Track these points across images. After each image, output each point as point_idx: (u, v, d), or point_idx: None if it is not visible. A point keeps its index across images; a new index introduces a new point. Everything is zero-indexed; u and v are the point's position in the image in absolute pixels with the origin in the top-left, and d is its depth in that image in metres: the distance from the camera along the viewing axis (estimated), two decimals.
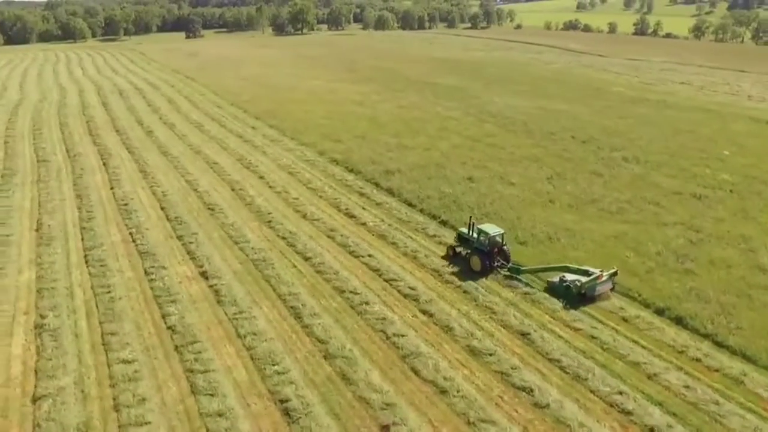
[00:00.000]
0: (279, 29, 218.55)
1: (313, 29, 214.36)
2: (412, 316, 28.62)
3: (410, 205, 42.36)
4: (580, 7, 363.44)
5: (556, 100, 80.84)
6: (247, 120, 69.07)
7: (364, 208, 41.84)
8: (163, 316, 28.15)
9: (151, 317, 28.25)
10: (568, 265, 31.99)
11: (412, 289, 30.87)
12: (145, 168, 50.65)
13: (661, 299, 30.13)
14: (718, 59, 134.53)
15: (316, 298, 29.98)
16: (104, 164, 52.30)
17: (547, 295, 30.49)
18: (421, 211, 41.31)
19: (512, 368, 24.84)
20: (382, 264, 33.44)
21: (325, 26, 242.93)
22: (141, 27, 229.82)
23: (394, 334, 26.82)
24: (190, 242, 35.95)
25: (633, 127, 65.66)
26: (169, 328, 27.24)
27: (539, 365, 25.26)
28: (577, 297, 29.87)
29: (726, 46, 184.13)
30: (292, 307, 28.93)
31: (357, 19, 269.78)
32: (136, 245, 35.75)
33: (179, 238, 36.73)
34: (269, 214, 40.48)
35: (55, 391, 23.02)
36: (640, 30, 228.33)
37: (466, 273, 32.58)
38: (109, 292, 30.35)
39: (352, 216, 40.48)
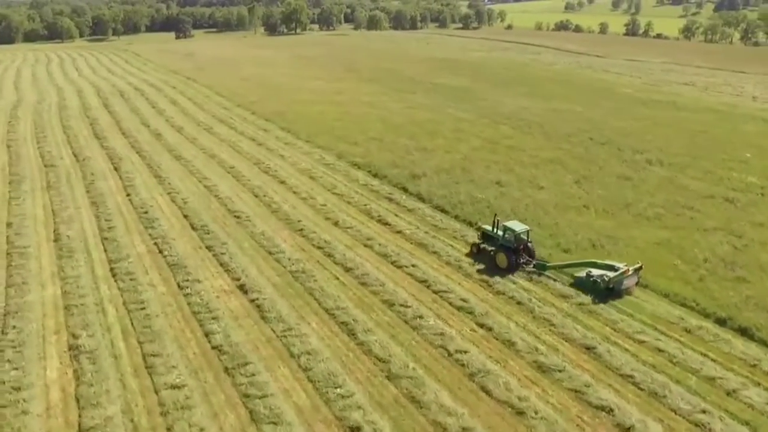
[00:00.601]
0: (271, 29, 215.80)
1: (305, 29, 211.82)
2: (470, 331, 27.14)
3: (443, 211, 40.84)
4: (568, 7, 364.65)
5: (566, 101, 79.85)
6: (257, 122, 67.07)
7: (396, 215, 40.25)
8: (207, 335, 26.34)
9: (194, 336, 26.43)
10: (594, 260, 31.96)
11: (464, 301, 29.39)
12: (159, 173, 48.56)
13: (719, 308, 29.00)
14: (714, 60, 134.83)
15: (366, 312, 28.36)
16: (115, 169, 50.14)
17: (603, 305, 29.23)
18: (456, 217, 39.80)
19: (585, 386, 23.48)
20: (428, 274, 31.91)
21: (316, 26, 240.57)
22: (130, 27, 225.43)
23: (456, 351, 25.32)
24: (222, 253, 34.09)
25: (648, 128, 64.82)
26: (214, 348, 25.45)
27: (612, 382, 23.93)
28: (604, 291, 29.81)
29: (717, 47, 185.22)
30: (342, 323, 27.28)
31: (348, 19, 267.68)
32: (164, 257, 33.82)
33: (209, 248, 34.85)
34: (299, 221, 38.72)
35: (102, 422, 21.17)
36: (632, 30, 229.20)
37: (504, 277, 31.23)
38: (143, 308, 28.44)
39: (385, 223, 38.87)
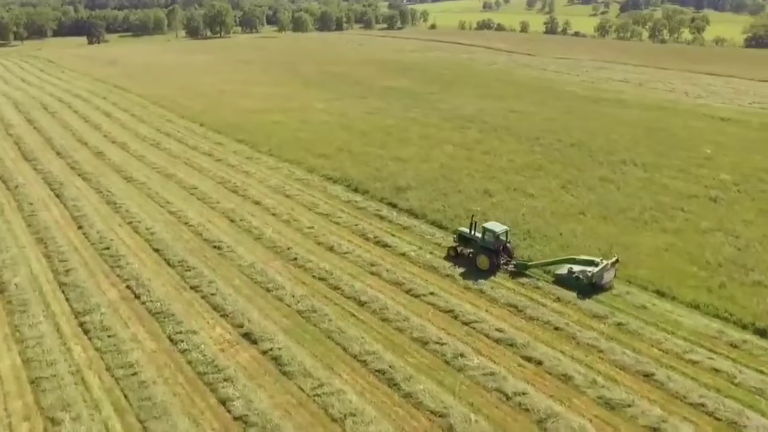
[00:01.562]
0: (193, 33, 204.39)
1: (229, 33, 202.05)
2: (519, 366, 24.38)
3: (441, 227, 37.85)
4: (486, 6, 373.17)
5: (519, 101, 79.24)
6: (209, 135, 61.30)
7: (393, 235, 36.86)
8: (223, 402, 22.00)
9: (207, 405, 21.99)
10: (573, 256, 31.95)
11: (500, 331, 26.58)
12: (112, 198, 42.48)
13: (754, 318, 27.97)
14: (635, 57, 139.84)
15: (400, 355, 24.90)
16: (57, 196, 43.54)
17: (644, 325, 27.33)
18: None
19: (662, 421, 21.41)
20: (451, 303, 28.84)
21: (239, 29, 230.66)
22: (34, 31, 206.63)
23: (514, 393, 22.50)
24: (212, 294, 29.43)
25: (609, 127, 64.91)
26: (237, 419, 21.18)
27: (685, 413, 21.98)
28: (588, 287, 29.86)
29: (631, 44, 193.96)
30: (378, 371, 23.71)
31: (270, 21, 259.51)
32: (143, 303, 28.73)
33: (195, 289, 30.05)
34: (289, 249, 34.51)
35: None
36: (551, 29, 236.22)
37: (534, 300, 28.77)
38: (134, 373, 23.58)
39: (385, 245, 35.40)
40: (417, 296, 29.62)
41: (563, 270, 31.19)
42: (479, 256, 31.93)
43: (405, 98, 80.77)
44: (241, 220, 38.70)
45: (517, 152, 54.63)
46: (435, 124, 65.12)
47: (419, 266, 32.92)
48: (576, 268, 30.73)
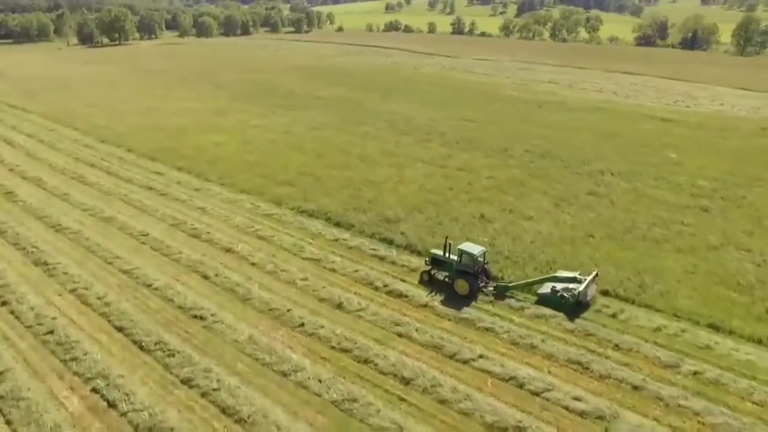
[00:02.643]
0: (86, 40, 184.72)
1: (128, 39, 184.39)
2: None
3: None
4: (389, 8, 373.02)
5: (466, 108, 76.25)
6: (141, 163, 52.38)
7: (404, 280, 31.54)
8: None
9: None
10: (555, 274, 30.39)
11: (578, 400, 22.32)
12: (41, 257, 33.66)
13: None
14: (549, 56, 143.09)
15: None
16: None
17: (721, 371, 24.16)
18: None
19: None
20: (508, 367, 24.25)
21: (137, 36, 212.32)
22: None
23: None
24: (213, 389, 22.71)
25: (566, 134, 63.29)
26: None
27: None
28: (573, 305, 28.30)
29: (537, 44, 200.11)
30: None
31: (169, 26, 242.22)
32: (124, 415, 21.50)
33: (188, 383, 23.14)
34: (289, 311, 28.21)
35: None
36: (458, 29, 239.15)
37: (620, 363, 24.85)
38: None
39: (400, 295, 30.02)
40: (465, 362, 24.64)
41: (546, 289, 29.46)
42: (457, 281, 29.64)
43: (347, 110, 75.16)
44: (216, 275, 31.67)
45: (492, 167, 51.02)
46: (392, 139, 60.18)
47: (451, 320, 27.91)
48: (559, 286, 29.10)
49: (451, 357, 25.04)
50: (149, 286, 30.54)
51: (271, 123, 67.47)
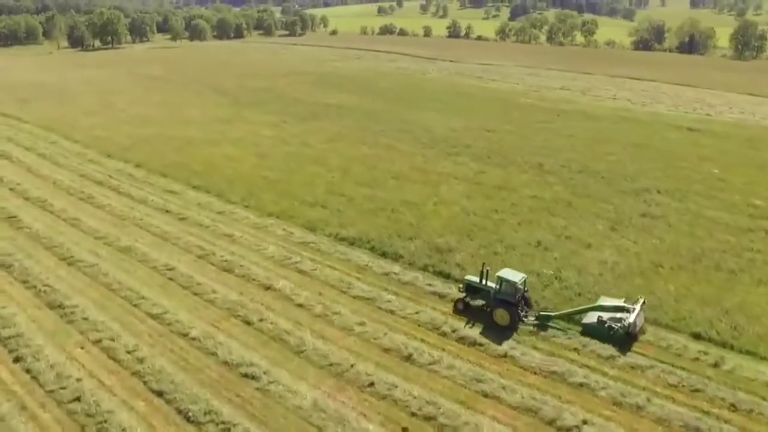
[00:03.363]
0: (77, 43, 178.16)
1: (121, 42, 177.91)
2: None
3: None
4: (381, 11, 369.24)
5: (483, 118, 72.73)
6: (153, 180, 48.08)
7: (473, 325, 27.80)
8: None
9: None
10: (600, 303, 28.08)
11: None
12: (55, 298, 29.40)
13: None
14: (551, 61, 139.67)
15: None
16: None
17: None
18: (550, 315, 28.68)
19: None
20: None
21: (129, 39, 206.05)
22: None
23: None
24: None
25: (595, 146, 59.98)
26: None
27: None
28: (624, 337, 26.20)
29: (536, 47, 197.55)
30: None
31: (160, 28, 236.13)
32: None
33: None
34: (352, 367, 24.43)
35: None
36: (454, 33, 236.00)
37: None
38: None
39: (473, 343, 26.40)
40: (568, 430, 21.02)
41: (591, 319, 27.32)
42: (497, 311, 27.48)
43: (361, 119, 71.31)
44: (260, 320, 27.71)
45: (531, 184, 47.53)
46: (418, 152, 56.40)
47: (536, 374, 24.30)
48: (605, 315, 27.02)
49: (551, 423, 21.46)
50: (185, 335, 26.51)
51: (285, 134, 63.40)
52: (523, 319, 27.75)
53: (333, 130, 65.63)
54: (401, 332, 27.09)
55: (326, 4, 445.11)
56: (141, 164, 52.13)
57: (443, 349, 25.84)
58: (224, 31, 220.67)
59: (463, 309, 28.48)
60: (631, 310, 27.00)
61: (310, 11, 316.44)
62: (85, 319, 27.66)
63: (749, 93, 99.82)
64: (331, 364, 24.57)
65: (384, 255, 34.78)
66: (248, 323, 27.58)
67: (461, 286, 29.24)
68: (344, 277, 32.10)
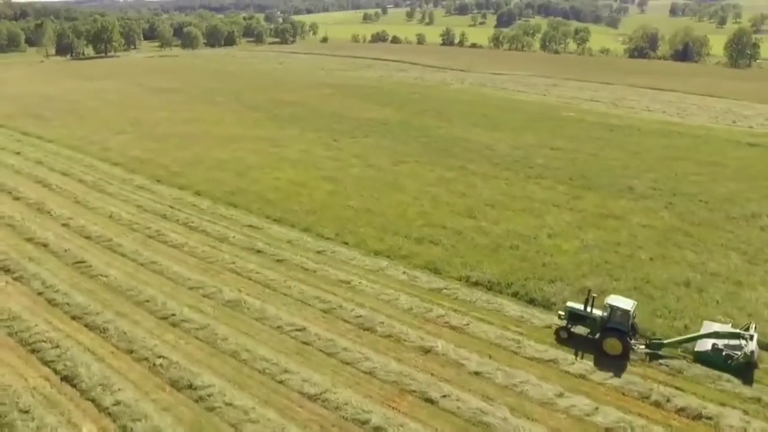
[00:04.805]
0: (65, 51, 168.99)
1: (114, 51, 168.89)
2: None
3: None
4: (366, 18, 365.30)
5: (537, 134, 68.91)
6: (223, 212, 42.64)
7: (680, 389, 23.55)
8: None
9: None
10: (716, 330, 26.32)
11: None
12: (180, 375, 24.08)
13: None
14: (560, 70, 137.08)
15: None
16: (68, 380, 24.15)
17: None
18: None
19: None
20: None
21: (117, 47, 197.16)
22: None
23: None
24: None
25: (670, 164, 56.41)
26: None
27: None
28: (743, 366, 24.61)
29: (533, 55, 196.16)
30: None
31: (146, 36, 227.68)
32: None
33: None
34: None
35: None
36: (448, 41, 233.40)
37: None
38: None
39: (699, 416, 22.14)
40: None
41: (705, 346, 25.69)
42: (607, 339, 25.92)
43: (415, 136, 66.73)
44: (442, 396, 22.87)
45: (636, 212, 43.61)
46: (496, 175, 52.01)
47: None
48: (720, 343, 25.47)
49: None
50: (364, 423, 21.55)
51: (343, 154, 58.47)
52: (633, 347, 26.07)
53: (390, 148, 60.95)
54: (611, 404, 22.70)
55: (308, 11, 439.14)
56: (201, 192, 46.70)
57: (669, 426, 21.53)
58: (216, 38, 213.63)
59: (567, 337, 27.11)
60: (747, 336, 25.43)
61: (298, 18, 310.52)
62: (229, 404, 22.49)
63: None
64: None
65: (532, 302, 30.40)
66: (430, 401, 22.82)
67: (561, 313, 27.65)
68: (506, 333, 27.54)
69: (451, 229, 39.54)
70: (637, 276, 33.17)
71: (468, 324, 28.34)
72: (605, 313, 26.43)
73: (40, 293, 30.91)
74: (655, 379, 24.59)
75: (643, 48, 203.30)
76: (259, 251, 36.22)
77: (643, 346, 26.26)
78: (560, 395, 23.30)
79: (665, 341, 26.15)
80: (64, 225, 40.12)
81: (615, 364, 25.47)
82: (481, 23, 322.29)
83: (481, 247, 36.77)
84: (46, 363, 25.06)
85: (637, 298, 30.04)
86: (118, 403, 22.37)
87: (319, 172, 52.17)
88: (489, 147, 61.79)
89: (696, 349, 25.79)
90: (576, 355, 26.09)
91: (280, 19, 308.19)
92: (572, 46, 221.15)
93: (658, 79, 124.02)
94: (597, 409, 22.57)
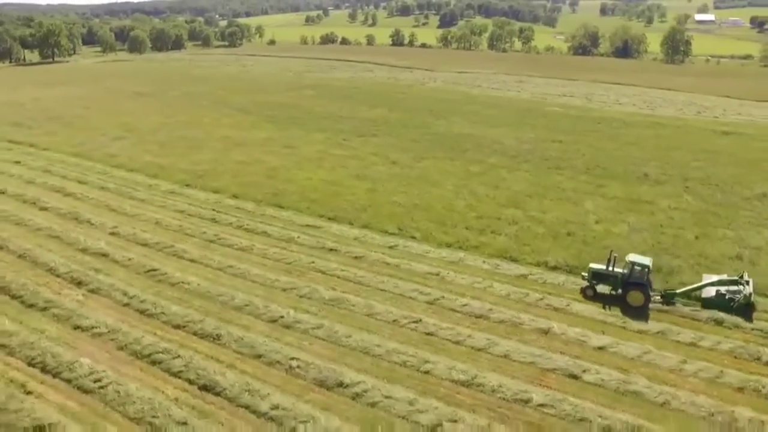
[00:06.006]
0: (2, 56, 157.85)
1: (62, 56, 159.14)
2: None
3: None
4: (308, 20, 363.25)
5: (536, 128, 71.74)
6: (272, 212, 41.95)
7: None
8: None
9: None
10: (719, 278, 30.56)
11: None
12: (331, 378, 24.01)
13: None
14: (520, 67, 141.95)
15: None
16: None
17: None
18: None
19: None
20: None
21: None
22: None
23: None
24: None
25: (667, 153, 60.33)
26: None
27: None
28: (744, 307, 28.84)
29: (481, 53, 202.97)
30: None
31: (85, 41, 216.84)
32: None
33: None
34: None
35: None
36: (398, 41, 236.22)
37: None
38: None
39: None
40: None
41: (710, 293, 29.61)
42: (631, 293, 29.65)
43: (419, 133, 67.88)
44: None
45: (662, 196, 46.38)
46: (518, 167, 54.00)
47: None
48: (722, 289, 29.55)
49: None
50: (527, 401, 22.44)
51: (360, 153, 58.71)
52: (651, 299, 29.66)
53: (402, 146, 61.77)
54: (730, 367, 24.60)
55: (248, 14, 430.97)
56: (238, 195, 45.80)
57: None
58: (163, 42, 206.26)
59: (593, 295, 30.43)
60: (744, 282, 29.52)
61: (242, 21, 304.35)
62: (389, 398, 22.53)
63: (725, 95, 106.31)
64: None
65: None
66: (574, 377, 23.90)
67: (585, 274, 31.15)
68: (605, 311, 29.08)
69: (505, 219, 40.94)
70: (693, 253, 35.67)
71: (568, 305, 29.76)
72: (626, 270, 30.01)
73: (125, 304, 29.61)
74: (756, 342, 26.80)
75: (586, 45, 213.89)
76: (331, 249, 36.15)
77: (659, 297, 29.82)
78: (683, 362, 25.01)
79: (677, 291, 29.98)
80: (112, 234, 38.33)
81: (717, 332, 27.52)
82: (424, 24, 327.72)
83: (541, 234, 38.37)
84: (174, 374, 24.14)
85: (703, 272, 32.62)
86: (275, 407, 22.00)
87: (347, 171, 52.28)
88: (496, 142, 63.82)
89: (703, 296, 29.56)
90: (679, 326, 27.99)
91: (225, 22, 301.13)
92: (518, 44, 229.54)
93: (613, 74, 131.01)
94: (722, 371, 24.44)
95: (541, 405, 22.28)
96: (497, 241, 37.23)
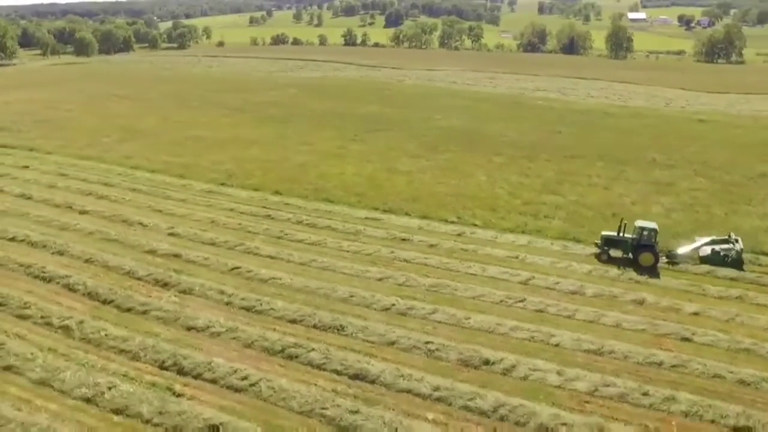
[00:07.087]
0: None
1: (9, 58, 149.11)
2: None
3: None
4: (252, 21, 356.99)
5: (530, 122, 74.76)
6: (323, 206, 41.88)
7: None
8: None
9: None
10: (712, 237, 34.86)
11: None
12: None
13: None
14: (481, 64, 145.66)
15: None
16: None
17: None
18: None
19: None
20: None
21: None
22: None
23: None
24: None
25: (661, 140, 64.86)
26: None
27: None
28: (736, 262, 32.98)
29: (434, 52, 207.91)
30: None
31: (21, 44, 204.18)
32: None
33: None
34: None
35: None
36: (350, 41, 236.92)
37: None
38: None
39: None
40: None
41: (706, 251, 33.61)
42: (642, 255, 33.13)
43: (425, 128, 69.27)
44: None
45: (680, 179, 49.90)
46: (536, 157, 56.42)
47: None
48: (716, 247, 33.57)
49: None
50: (659, 363, 24.22)
51: (378, 148, 59.40)
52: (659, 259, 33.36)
53: (415, 140, 62.88)
54: None
55: (187, 16, 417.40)
56: (281, 191, 45.52)
57: None
58: (111, 44, 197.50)
59: (607, 259, 33.92)
60: (734, 240, 33.86)
61: (186, 22, 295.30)
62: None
63: (681, 87, 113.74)
64: None
65: (675, 257, 34.58)
66: (687, 340, 26.02)
67: (597, 242, 34.63)
68: (681, 281, 31.48)
69: (551, 204, 43.02)
70: (728, 228, 38.37)
71: (648, 278, 31.96)
72: (635, 235, 33.49)
73: (227, 303, 29.14)
74: None
75: (535, 43, 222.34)
76: (404, 240, 36.83)
77: (665, 258, 33.66)
78: None
79: (680, 252, 34.09)
80: (171, 234, 37.33)
81: None
82: (371, 23, 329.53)
83: (591, 217, 40.62)
84: (317, 367, 23.67)
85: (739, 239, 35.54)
86: (437, 388, 22.59)
87: (375, 165, 52.89)
88: (502, 135, 66.14)
89: (700, 255, 33.73)
90: (754, 291, 30.73)
91: (165, 24, 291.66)
92: (467, 42, 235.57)
93: (569, 70, 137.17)
94: None
95: (674, 366, 24.13)
96: (554, 225, 39.16)
